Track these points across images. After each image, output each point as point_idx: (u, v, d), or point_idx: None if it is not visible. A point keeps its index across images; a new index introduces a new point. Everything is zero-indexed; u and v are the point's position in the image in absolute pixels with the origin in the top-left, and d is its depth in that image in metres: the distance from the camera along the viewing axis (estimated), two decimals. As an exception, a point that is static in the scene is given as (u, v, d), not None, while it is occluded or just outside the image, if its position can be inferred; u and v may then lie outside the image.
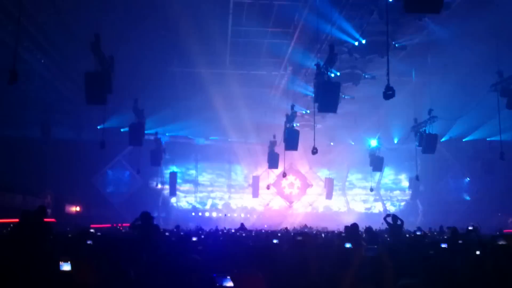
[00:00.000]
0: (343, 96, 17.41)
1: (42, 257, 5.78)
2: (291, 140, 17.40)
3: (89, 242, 7.33)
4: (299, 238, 5.42)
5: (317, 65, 13.06)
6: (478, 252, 4.66)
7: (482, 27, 13.75)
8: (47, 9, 13.91)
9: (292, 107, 17.59)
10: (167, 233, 12.74)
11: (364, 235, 10.82)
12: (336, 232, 14.48)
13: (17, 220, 7.61)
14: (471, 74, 16.88)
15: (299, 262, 5.20)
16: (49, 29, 15.10)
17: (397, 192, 30.10)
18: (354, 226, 9.94)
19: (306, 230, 19.90)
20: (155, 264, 5.68)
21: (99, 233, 12.66)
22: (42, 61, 16.94)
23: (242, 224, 17.72)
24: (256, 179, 27.79)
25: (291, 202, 29.41)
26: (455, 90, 18.32)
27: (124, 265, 4.64)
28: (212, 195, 29.26)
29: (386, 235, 13.25)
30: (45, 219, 7.59)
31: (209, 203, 29.13)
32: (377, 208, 29.66)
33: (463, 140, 24.37)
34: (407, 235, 12.63)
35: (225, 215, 26.62)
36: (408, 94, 18.09)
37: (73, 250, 6.92)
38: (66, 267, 4.15)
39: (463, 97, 19.06)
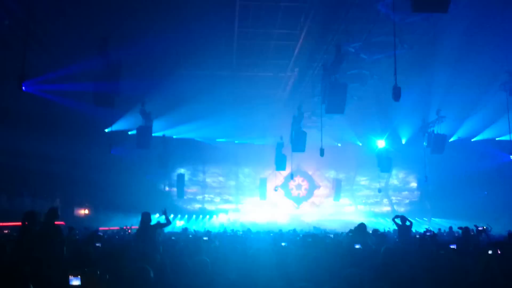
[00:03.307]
0: (350, 97, 17.35)
1: (51, 265, 5.79)
2: (298, 142, 17.38)
3: (98, 244, 7.36)
4: (309, 239, 5.40)
5: (324, 66, 13.05)
6: (490, 252, 4.63)
7: (490, 26, 13.64)
8: (55, 13, 14.02)
9: (299, 108, 17.56)
10: (173, 237, 12.75)
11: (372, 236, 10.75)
12: (344, 233, 14.42)
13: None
14: (480, 73, 16.75)
15: (309, 264, 5.19)
16: (57, 33, 15.22)
17: (406, 193, 29.91)
18: (362, 226, 9.79)
19: (314, 230, 19.86)
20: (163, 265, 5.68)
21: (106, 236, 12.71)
22: (50, 65, 17.06)
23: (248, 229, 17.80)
24: (263, 181, 27.78)
25: (298, 204, 29.36)
26: (464, 89, 18.19)
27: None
28: (220, 197, 29.29)
29: (395, 236, 13.19)
30: (56, 222, 7.60)
31: (216, 205, 29.17)
32: (386, 209, 29.49)
33: (472, 140, 24.17)
34: (417, 236, 12.55)
35: (229, 218, 26.64)
36: (416, 94, 18.00)
37: (82, 254, 6.94)
38: (75, 281, 4.07)
39: (471, 97, 18.92)
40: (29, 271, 4.85)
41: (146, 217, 9.02)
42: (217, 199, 29.24)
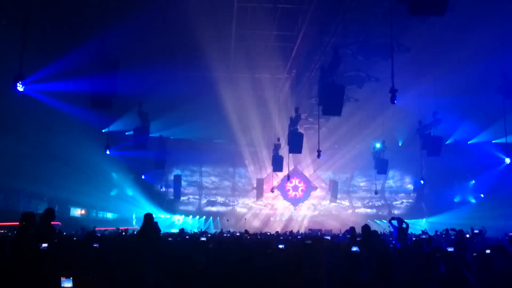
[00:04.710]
0: (347, 99, 17.39)
1: (44, 265, 5.77)
2: (295, 143, 17.38)
3: (95, 245, 7.35)
4: (308, 241, 5.40)
5: (321, 68, 13.06)
6: (488, 251, 4.66)
7: (487, 29, 13.70)
8: (53, 15, 13.99)
9: (296, 110, 17.58)
10: (170, 238, 12.75)
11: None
12: (341, 235, 14.44)
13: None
14: (476, 76, 16.81)
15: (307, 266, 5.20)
16: (54, 33, 15.19)
17: (402, 195, 30.01)
18: (366, 227, 9.60)
19: (309, 232, 19.92)
20: (161, 266, 5.67)
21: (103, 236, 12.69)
22: (46, 65, 17.00)
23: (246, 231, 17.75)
24: (260, 182, 27.78)
25: (295, 205, 29.37)
26: (460, 92, 18.26)
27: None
28: (216, 198, 29.29)
29: (391, 238, 13.23)
30: (52, 222, 7.58)
31: (213, 205, 29.16)
32: (382, 211, 29.57)
33: (468, 142, 24.26)
34: (413, 238, 12.59)
35: (227, 220, 26.59)
36: (413, 96, 18.06)
37: (78, 255, 6.93)
38: (67, 283, 4.04)
39: (468, 99, 18.98)
40: (25, 271, 4.84)
41: (149, 218, 8.95)
42: (214, 200, 29.23)
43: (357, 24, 13.76)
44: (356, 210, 29.76)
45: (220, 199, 29.34)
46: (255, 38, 16.03)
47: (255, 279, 4.92)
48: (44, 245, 5.01)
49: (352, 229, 10.80)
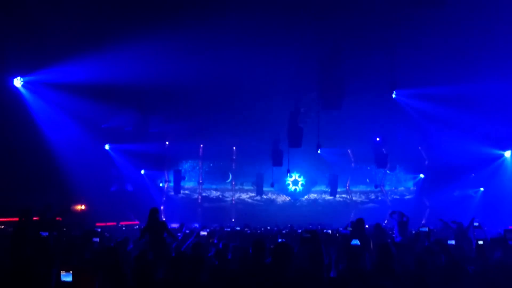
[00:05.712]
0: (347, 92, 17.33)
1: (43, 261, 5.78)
2: (295, 137, 17.38)
3: (95, 239, 7.39)
4: (307, 235, 5.40)
5: (321, 60, 13.03)
6: (481, 242, 4.68)
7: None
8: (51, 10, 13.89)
9: (296, 103, 17.56)
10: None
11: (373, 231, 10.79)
12: (341, 229, 14.46)
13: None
14: (477, 71, 16.75)
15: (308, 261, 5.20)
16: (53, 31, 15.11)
17: (402, 188, 30.00)
18: (359, 221, 9.75)
19: (310, 226, 19.95)
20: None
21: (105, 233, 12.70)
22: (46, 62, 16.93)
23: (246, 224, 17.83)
24: (260, 177, 27.79)
25: (295, 200, 29.40)
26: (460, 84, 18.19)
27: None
28: (216, 192, 29.31)
29: (390, 232, 13.26)
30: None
31: (213, 201, 29.19)
32: (382, 204, 29.58)
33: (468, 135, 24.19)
34: (413, 232, 12.62)
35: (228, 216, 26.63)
36: (412, 91, 17.97)
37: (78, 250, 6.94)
38: (67, 277, 4.00)
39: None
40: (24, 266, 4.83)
41: (154, 213, 8.94)
42: (214, 195, 29.27)
43: (357, 17, 13.66)
44: (356, 204, 29.74)
45: (219, 193, 29.36)
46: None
47: (255, 275, 4.92)
48: (44, 233, 5.02)
49: (352, 222, 10.83)
